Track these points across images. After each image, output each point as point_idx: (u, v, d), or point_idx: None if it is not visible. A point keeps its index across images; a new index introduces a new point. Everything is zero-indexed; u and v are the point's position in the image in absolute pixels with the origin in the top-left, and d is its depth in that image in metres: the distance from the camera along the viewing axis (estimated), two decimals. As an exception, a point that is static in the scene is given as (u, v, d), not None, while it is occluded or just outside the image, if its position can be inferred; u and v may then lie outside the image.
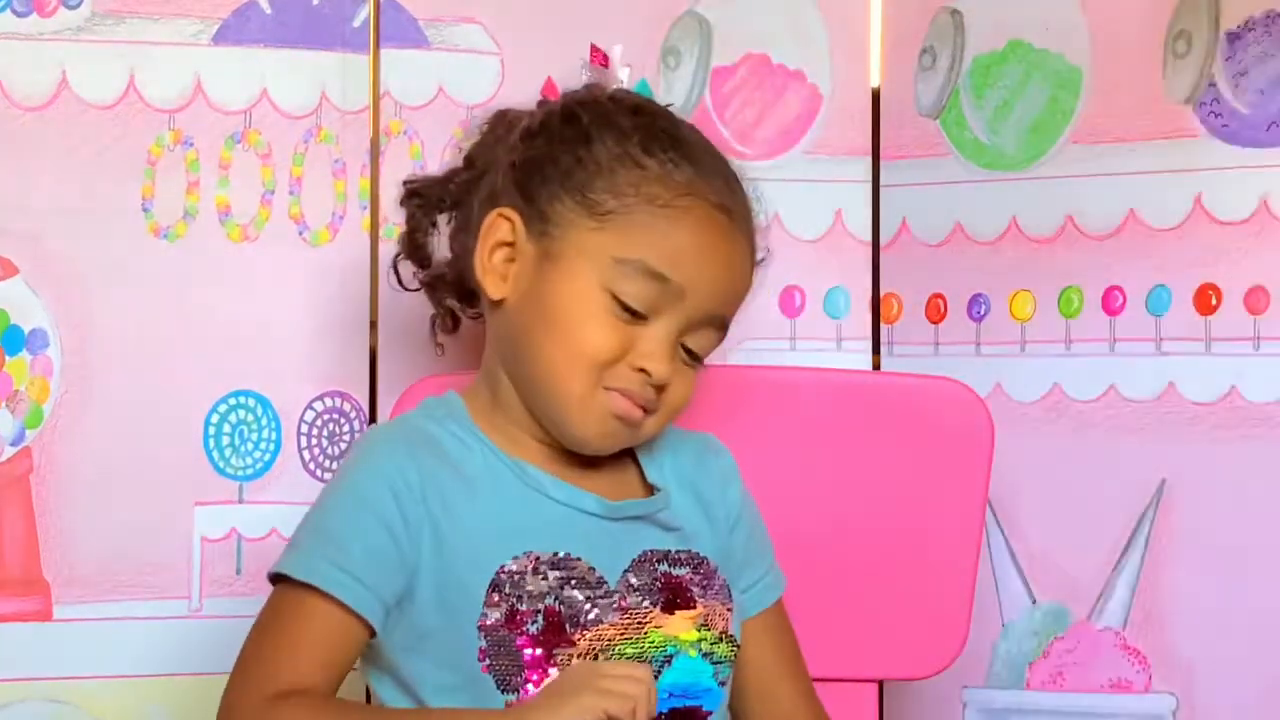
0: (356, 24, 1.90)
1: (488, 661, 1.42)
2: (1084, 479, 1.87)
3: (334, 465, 1.89)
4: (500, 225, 1.50)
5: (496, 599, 1.42)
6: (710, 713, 1.48)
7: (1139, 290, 1.85)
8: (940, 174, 1.96)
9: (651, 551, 1.49)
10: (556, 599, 1.43)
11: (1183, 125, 1.83)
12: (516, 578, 1.43)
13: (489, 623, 1.42)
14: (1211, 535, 1.82)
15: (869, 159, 2.00)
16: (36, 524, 1.82)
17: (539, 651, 1.42)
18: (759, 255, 1.53)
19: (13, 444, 1.82)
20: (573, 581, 1.44)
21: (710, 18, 1.96)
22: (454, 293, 1.62)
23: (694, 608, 1.48)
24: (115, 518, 1.83)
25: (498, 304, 1.51)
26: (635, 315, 1.46)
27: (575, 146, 1.49)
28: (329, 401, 1.89)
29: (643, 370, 1.45)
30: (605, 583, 1.46)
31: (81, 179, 1.83)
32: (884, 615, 1.71)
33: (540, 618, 1.42)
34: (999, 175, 1.93)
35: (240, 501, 1.87)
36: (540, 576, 1.43)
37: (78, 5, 1.83)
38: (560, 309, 1.47)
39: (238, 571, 1.87)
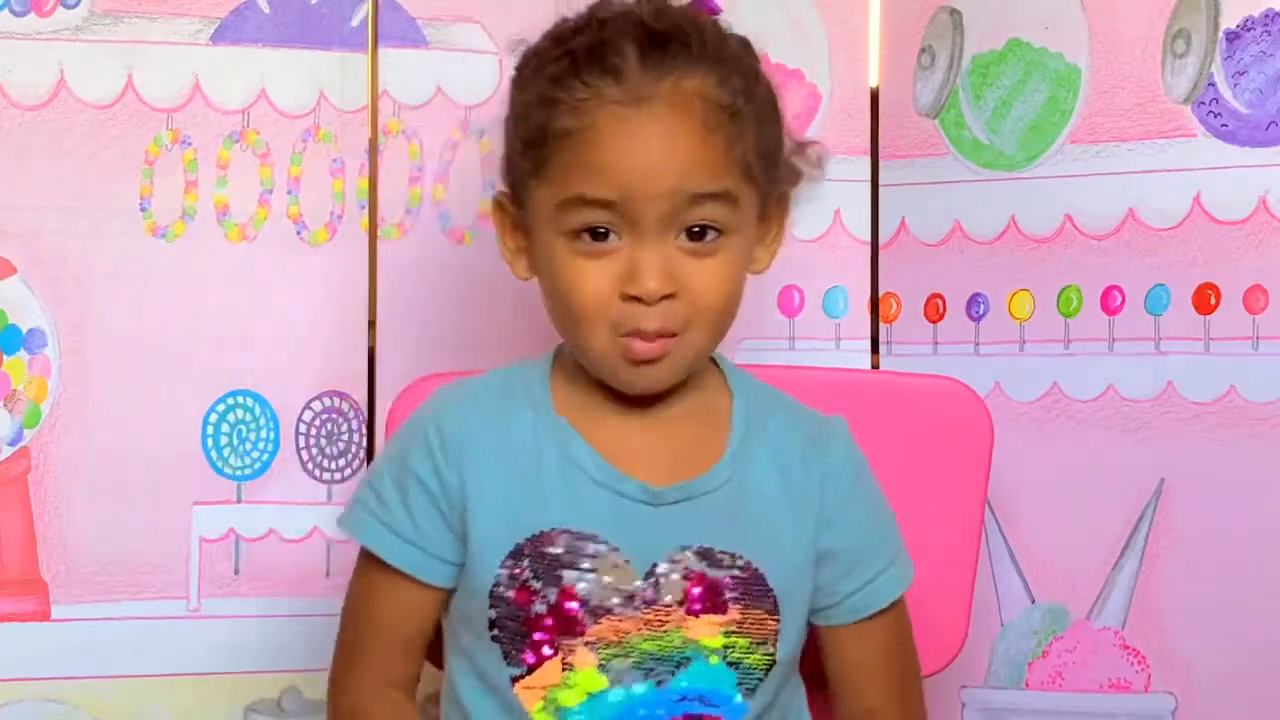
0: (355, 23, 1.90)
1: (495, 631, 1.42)
2: (1083, 479, 1.87)
3: (332, 465, 1.90)
4: (494, 212, 1.49)
5: (515, 570, 1.41)
6: None
7: (1138, 290, 1.85)
8: (939, 173, 1.95)
9: (691, 546, 1.43)
10: (577, 581, 1.41)
11: (1181, 125, 1.83)
12: (538, 552, 1.41)
13: (500, 592, 1.41)
14: (1211, 535, 1.82)
15: (868, 158, 2.00)
16: (34, 524, 1.82)
17: (544, 633, 1.41)
18: (728, 99, 1.42)
19: (10, 444, 1.82)
20: (597, 566, 1.41)
21: (709, 17, 1.96)
22: None
23: (724, 613, 1.43)
24: (113, 517, 1.83)
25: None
26: (600, 237, 1.40)
27: (513, 106, 1.47)
28: (327, 401, 1.89)
29: (634, 298, 1.39)
30: (633, 573, 1.42)
31: (79, 178, 1.83)
32: (883, 615, 1.71)
33: (554, 597, 1.41)
34: (998, 175, 1.93)
35: (238, 501, 1.87)
36: (564, 554, 1.41)
37: (75, 5, 1.82)
38: (549, 277, 1.43)
39: (236, 571, 1.87)
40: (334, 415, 1.90)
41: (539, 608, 1.41)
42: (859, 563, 1.50)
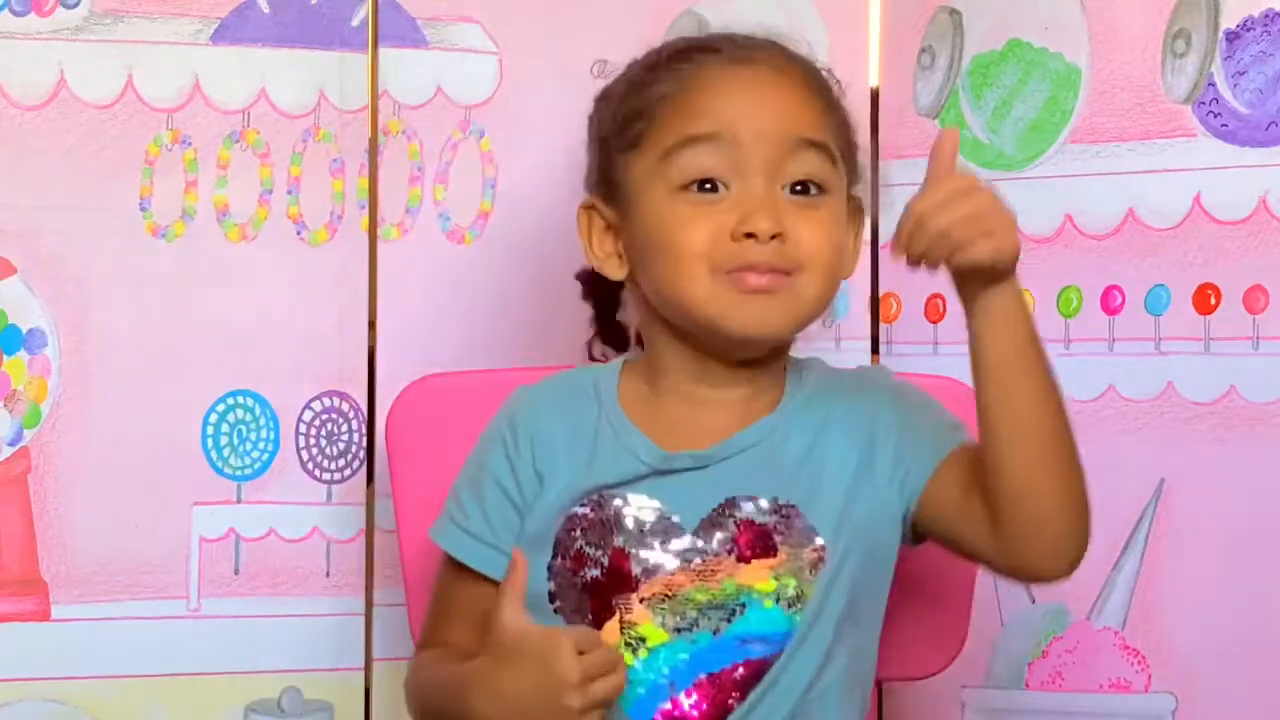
0: (355, 23, 1.90)
1: (556, 603, 1.47)
2: (1083, 478, 1.87)
3: (332, 465, 1.90)
4: (583, 217, 1.53)
5: (565, 543, 1.46)
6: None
7: (1138, 290, 1.85)
8: (939, 173, 1.95)
9: (738, 498, 1.47)
10: (626, 541, 1.45)
11: (1181, 125, 1.83)
12: (587, 520, 1.46)
13: (556, 564, 1.47)
14: (1211, 535, 1.82)
15: (868, 159, 1.99)
16: (34, 524, 1.82)
17: (600, 595, 1.45)
18: (823, 79, 1.50)
19: (10, 444, 1.82)
20: (646, 526, 1.46)
21: (708, 17, 1.96)
22: (613, 296, 1.62)
23: (774, 556, 1.46)
24: (113, 517, 1.83)
25: (627, 279, 1.52)
26: (712, 187, 1.44)
27: (603, 107, 1.52)
28: (327, 401, 1.89)
29: (748, 234, 1.42)
30: (681, 530, 1.46)
31: (79, 178, 1.83)
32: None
33: (606, 560, 1.45)
34: (998, 175, 1.92)
35: (238, 501, 1.87)
36: (612, 517, 1.46)
37: (75, 4, 1.82)
38: (651, 236, 1.46)
39: (236, 571, 1.87)
40: (334, 415, 1.90)
41: (593, 572, 1.46)
42: (915, 440, 1.47)
